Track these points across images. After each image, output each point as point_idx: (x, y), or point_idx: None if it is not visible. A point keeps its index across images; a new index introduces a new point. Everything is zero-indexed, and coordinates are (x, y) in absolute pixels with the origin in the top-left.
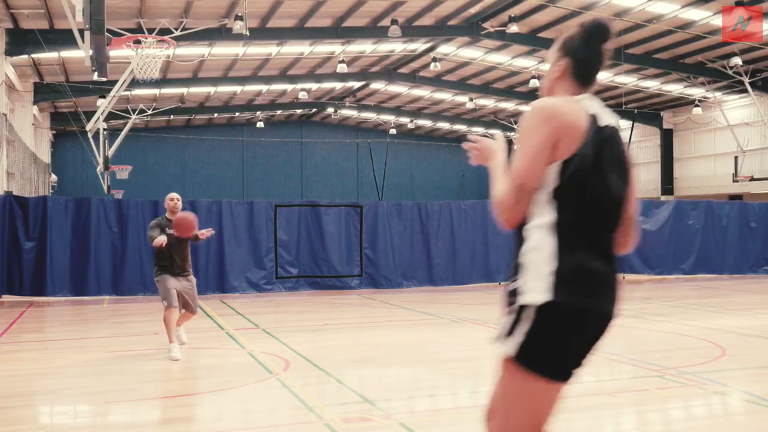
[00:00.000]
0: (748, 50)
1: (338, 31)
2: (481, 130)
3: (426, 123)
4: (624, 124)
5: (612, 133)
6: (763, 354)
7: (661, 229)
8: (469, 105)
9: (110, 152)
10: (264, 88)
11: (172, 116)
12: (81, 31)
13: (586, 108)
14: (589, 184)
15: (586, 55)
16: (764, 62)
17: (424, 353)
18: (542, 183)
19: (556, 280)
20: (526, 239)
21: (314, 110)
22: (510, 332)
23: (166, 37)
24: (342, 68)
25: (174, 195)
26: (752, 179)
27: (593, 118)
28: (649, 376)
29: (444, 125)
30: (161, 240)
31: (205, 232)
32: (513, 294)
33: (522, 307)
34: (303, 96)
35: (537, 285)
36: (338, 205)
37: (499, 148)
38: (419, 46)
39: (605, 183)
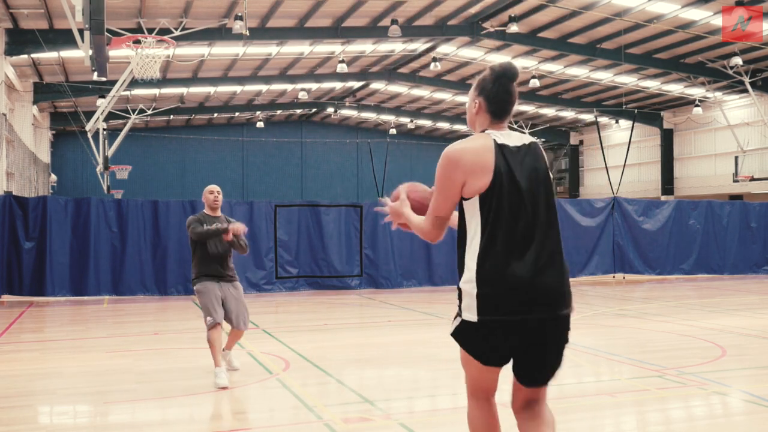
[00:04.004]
0: (748, 50)
1: (338, 31)
2: None
3: (426, 123)
4: (624, 124)
5: (526, 151)
6: (763, 354)
7: (661, 229)
8: None
9: (110, 152)
10: (264, 88)
11: (172, 116)
12: (81, 31)
13: (494, 139)
14: (501, 210)
15: (496, 94)
16: (764, 62)
17: (424, 353)
18: (469, 215)
19: (479, 301)
20: (464, 260)
21: (314, 110)
22: (454, 318)
23: (166, 37)
24: (342, 68)
25: (214, 187)
26: (752, 179)
27: (501, 147)
28: (649, 376)
29: (444, 125)
30: (237, 228)
31: (239, 229)
32: (460, 294)
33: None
34: (303, 96)
35: (467, 303)
36: (338, 205)
37: (404, 206)
38: (419, 46)
39: (513, 201)
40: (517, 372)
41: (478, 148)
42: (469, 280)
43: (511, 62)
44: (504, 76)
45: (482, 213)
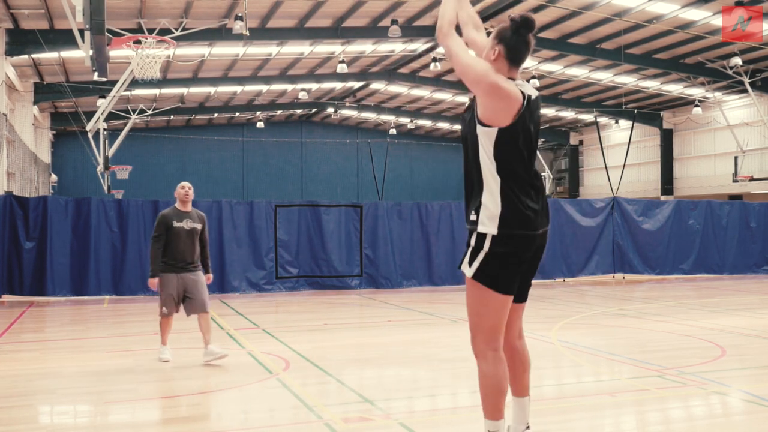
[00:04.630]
0: (748, 50)
1: (338, 31)
2: None
3: (426, 123)
4: (624, 124)
5: (535, 102)
6: (763, 354)
7: (660, 229)
8: None
9: (110, 152)
10: (264, 88)
11: (172, 116)
12: (81, 31)
13: (522, 88)
14: (518, 146)
15: (516, 43)
16: (764, 62)
17: (424, 353)
18: (485, 144)
19: (500, 218)
20: (481, 190)
21: (314, 110)
22: (471, 261)
23: (166, 37)
24: (342, 68)
25: (185, 183)
26: (752, 179)
27: (523, 94)
28: (649, 376)
29: (444, 125)
30: (152, 284)
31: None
32: (474, 223)
33: (480, 235)
34: (303, 96)
35: (491, 221)
36: (338, 205)
37: None
38: (419, 46)
39: (529, 140)
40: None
41: (513, 87)
42: (492, 206)
43: (530, 14)
44: (524, 27)
45: (498, 147)
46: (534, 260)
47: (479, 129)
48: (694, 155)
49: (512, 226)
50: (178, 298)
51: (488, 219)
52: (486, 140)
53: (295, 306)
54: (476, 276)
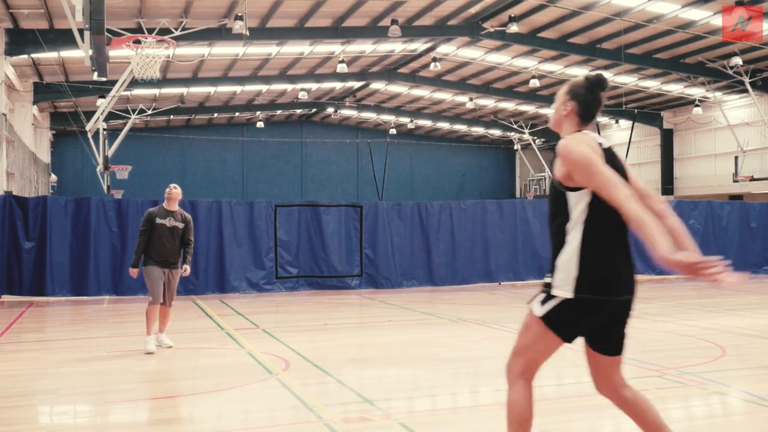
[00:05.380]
0: (748, 50)
1: (338, 31)
2: (481, 130)
3: (426, 123)
4: (624, 124)
5: (612, 151)
6: (763, 354)
7: None
8: (469, 105)
9: (110, 152)
10: (264, 88)
11: (172, 116)
12: (81, 31)
13: (599, 142)
14: (607, 205)
15: (589, 101)
16: (764, 62)
17: (424, 353)
18: (573, 202)
19: (577, 282)
20: (563, 244)
21: (314, 110)
22: (543, 303)
23: (166, 37)
24: (342, 68)
25: (173, 185)
26: (752, 179)
27: (600, 145)
28: (649, 376)
29: (444, 125)
30: (133, 273)
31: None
32: (548, 286)
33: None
34: (303, 96)
35: (565, 284)
36: (338, 205)
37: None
38: (419, 46)
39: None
40: (598, 346)
41: (592, 144)
42: (569, 262)
43: (602, 74)
44: (598, 86)
45: (589, 203)
46: (616, 321)
47: (566, 192)
48: (694, 155)
49: (588, 290)
50: (164, 288)
51: (563, 281)
52: (573, 199)
53: (295, 306)
54: (544, 318)
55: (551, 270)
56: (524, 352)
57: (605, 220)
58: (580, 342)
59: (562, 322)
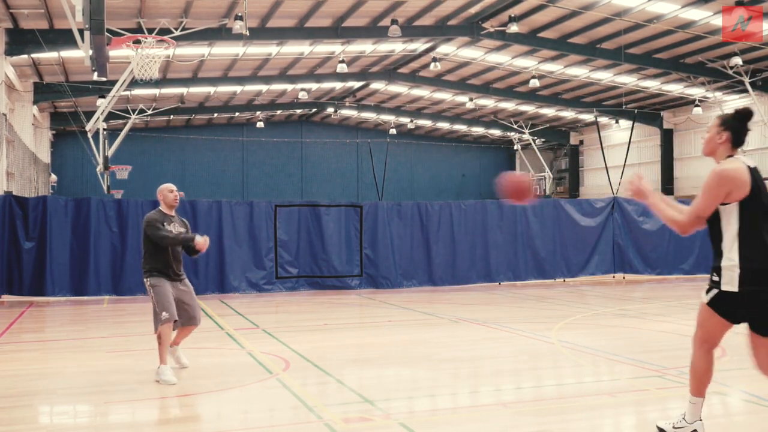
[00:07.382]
0: (748, 50)
1: (338, 31)
2: (481, 130)
3: (426, 123)
4: (624, 124)
5: (757, 171)
6: None
7: (661, 229)
8: (469, 105)
9: (110, 152)
10: (264, 88)
11: (172, 116)
12: (81, 31)
13: (745, 162)
14: (757, 212)
15: (740, 130)
16: (764, 62)
17: (424, 353)
18: (726, 216)
19: (741, 277)
20: (722, 249)
21: (314, 110)
22: (708, 291)
23: (166, 37)
24: (342, 68)
25: (173, 186)
26: None
27: (751, 169)
28: (649, 376)
29: (444, 125)
30: (203, 244)
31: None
32: (715, 281)
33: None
34: (303, 96)
35: (728, 279)
36: (338, 205)
37: (650, 191)
38: (419, 46)
39: (764, 205)
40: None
41: (740, 168)
42: (730, 262)
43: (750, 108)
44: (747, 119)
45: (741, 215)
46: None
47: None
48: (694, 155)
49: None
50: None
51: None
52: (726, 212)
53: (295, 306)
54: (709, 303)
55: (715, 267)
56: (700, 327)
57: (757, 228)
58: (580, 342)
59: (721, 304)
